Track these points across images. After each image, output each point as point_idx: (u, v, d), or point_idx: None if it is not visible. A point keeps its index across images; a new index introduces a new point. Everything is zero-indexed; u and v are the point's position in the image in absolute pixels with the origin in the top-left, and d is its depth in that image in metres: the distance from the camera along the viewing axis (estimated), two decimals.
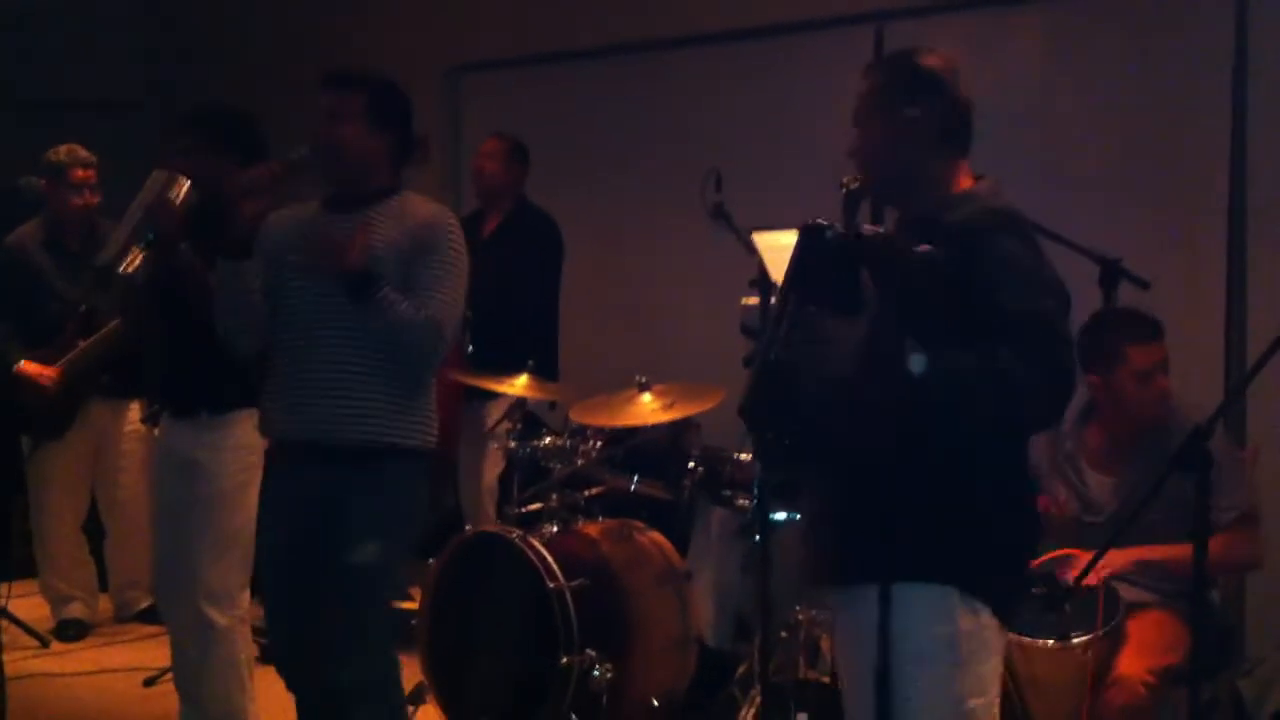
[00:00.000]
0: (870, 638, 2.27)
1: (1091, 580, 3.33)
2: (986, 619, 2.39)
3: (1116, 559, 3.40)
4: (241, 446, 3.81)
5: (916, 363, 2.20)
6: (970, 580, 2.35)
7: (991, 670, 2.42)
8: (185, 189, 3.66)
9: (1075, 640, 3.30)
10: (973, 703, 2.37)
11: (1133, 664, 3.34)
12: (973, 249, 2.30)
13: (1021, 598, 2.64)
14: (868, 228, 2.24)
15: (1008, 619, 2.46)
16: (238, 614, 3.89)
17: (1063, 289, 2.38)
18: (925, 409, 2.24)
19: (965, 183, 2.50)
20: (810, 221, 2.30)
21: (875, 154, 2.51)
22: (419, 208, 3.37)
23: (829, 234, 2.24)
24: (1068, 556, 3.50)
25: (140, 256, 3.64)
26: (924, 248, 2.25)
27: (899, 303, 2.27)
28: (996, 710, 2.44)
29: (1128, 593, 3.45)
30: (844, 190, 2.51)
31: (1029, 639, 3.31)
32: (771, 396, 2.31)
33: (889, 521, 2.27)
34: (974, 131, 2.49)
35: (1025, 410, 2.32)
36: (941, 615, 2.34)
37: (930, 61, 2.49)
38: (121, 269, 3.64)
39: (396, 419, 3.30)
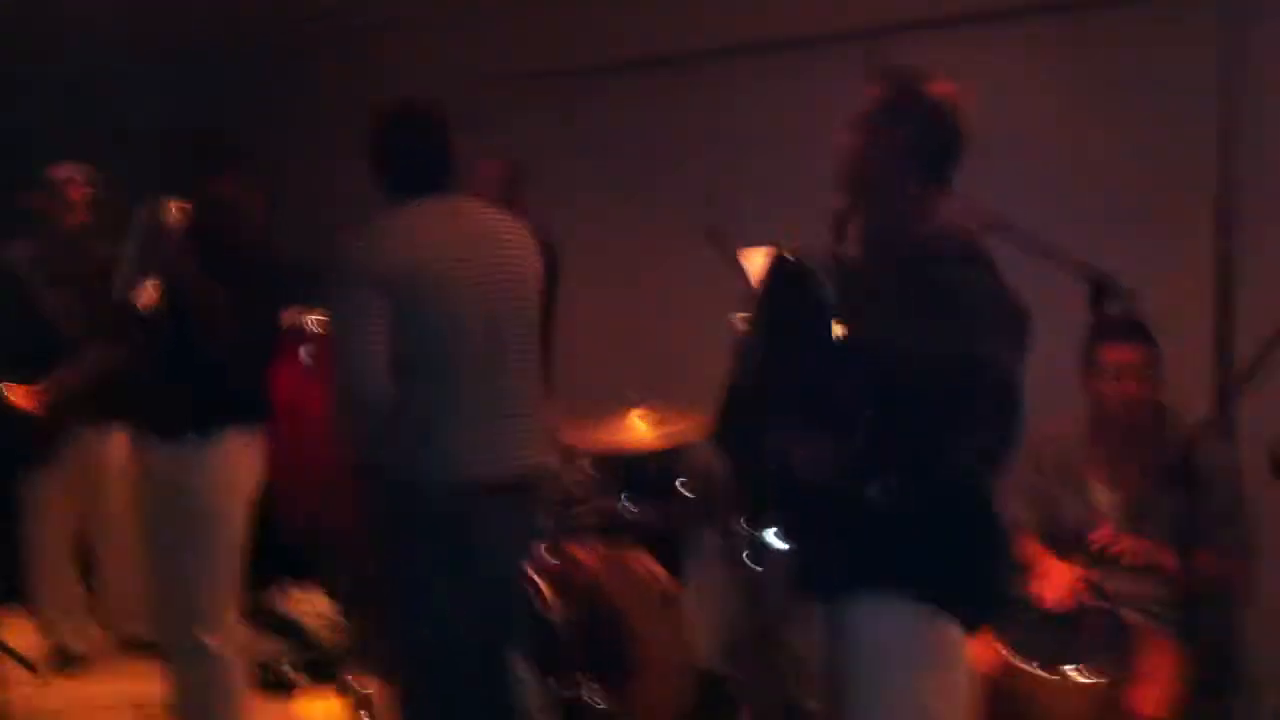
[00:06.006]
0: (838, 646, 2.42)
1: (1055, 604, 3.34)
2: (952, 631, 2.47)
3: (1065, 575, 3.41)
4: (228, 467, 3.81)
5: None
6: (932, 595, 2.42)
7: (959, 678, 2.51)
8: (174, 210, 3.69)
9: (1079, 673, 3.25)
10: (938, 706, 2.46)
11: (1144, 699, 3.28)
12: (928, 280, 2.36)
13: (990, 613, 2.69)
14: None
15: (973, 632, 2.55)
16: (228, 634, 3.89)
17: (1020, 318, 2.42)
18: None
19: (939, 205, 2.54)
20: (779, 251, 2.41)
21: (855, 160, 2.55)
22: None
23: (788, 267, 2.37)
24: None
25: (153, 288, 3.67)
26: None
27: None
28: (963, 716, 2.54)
29: (1138, 622, 3.41)
30: (835, 207, 2.56)
31: (1032, 669, 3.27)
32: (737, 423, 2.39)
33: (850, 538, 2.36)
34: (960, 165, 2.54)
35: (971, 470, 2.39)
36: (904, 625, 2.43)
37: (931, 88, 2.54)
38: (136, 302, 3.67)
39: None
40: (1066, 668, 3.25)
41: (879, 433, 2.26)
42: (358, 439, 3.22)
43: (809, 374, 2.33)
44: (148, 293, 3.69)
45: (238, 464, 3.82)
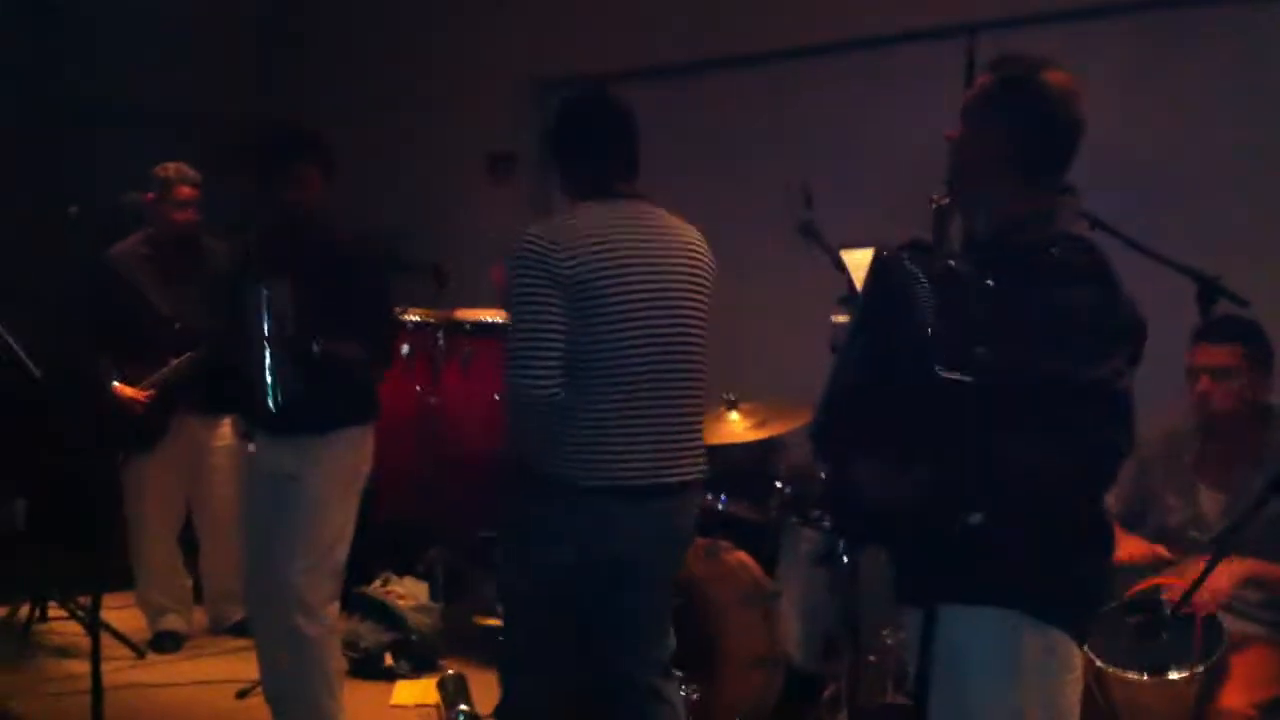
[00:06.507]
0: (933, 653, 2.29)
1: (1200, 609, 3.26)
2: (1057, 636, 2.33)
3: (1223, 578, 3.31)
4: (341, 462, 3.86)
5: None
6: (1035, 604, 2.30)
7: (1062, 685, 2.36)
8: (282, 290, 3.69)
9: (1174, 675, 3.21)
10: (1036, 714, 2.33)
11: (1236, 697, 3.24)
12: (1039, 289, 2.22)
13: (1094, 616, 2.58)
14: None
15: (1081, 636, 2.41)
16: (328, 625, 3.93)
17: (1138, 331, 2.30)
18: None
19: (1045, 202, 2.38)
20: (882, 251, 2.29)
21: (958, 154, 2.40)
22: None
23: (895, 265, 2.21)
24: (1164, 587, 3.43)
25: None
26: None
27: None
28: None
29: (1232, 624, 3.36)
30: (934, 206, 2.47)
31: (1127, 672, 3.24)
32: (835, 430, 2.32)
33: (948, 551, 2.24)
34: (1072, 162, 2.37)
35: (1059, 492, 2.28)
36: (1001, 634, 2.30)
37: (1047, 78, 2.35)
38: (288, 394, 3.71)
39: None
40: (1156, 669, 3.21)
41: (980, 449, 2.16)
42: (522, 438, 3.19)
43: (908, 384, 2.22)
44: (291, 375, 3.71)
45: (348, 458, 3.87)
